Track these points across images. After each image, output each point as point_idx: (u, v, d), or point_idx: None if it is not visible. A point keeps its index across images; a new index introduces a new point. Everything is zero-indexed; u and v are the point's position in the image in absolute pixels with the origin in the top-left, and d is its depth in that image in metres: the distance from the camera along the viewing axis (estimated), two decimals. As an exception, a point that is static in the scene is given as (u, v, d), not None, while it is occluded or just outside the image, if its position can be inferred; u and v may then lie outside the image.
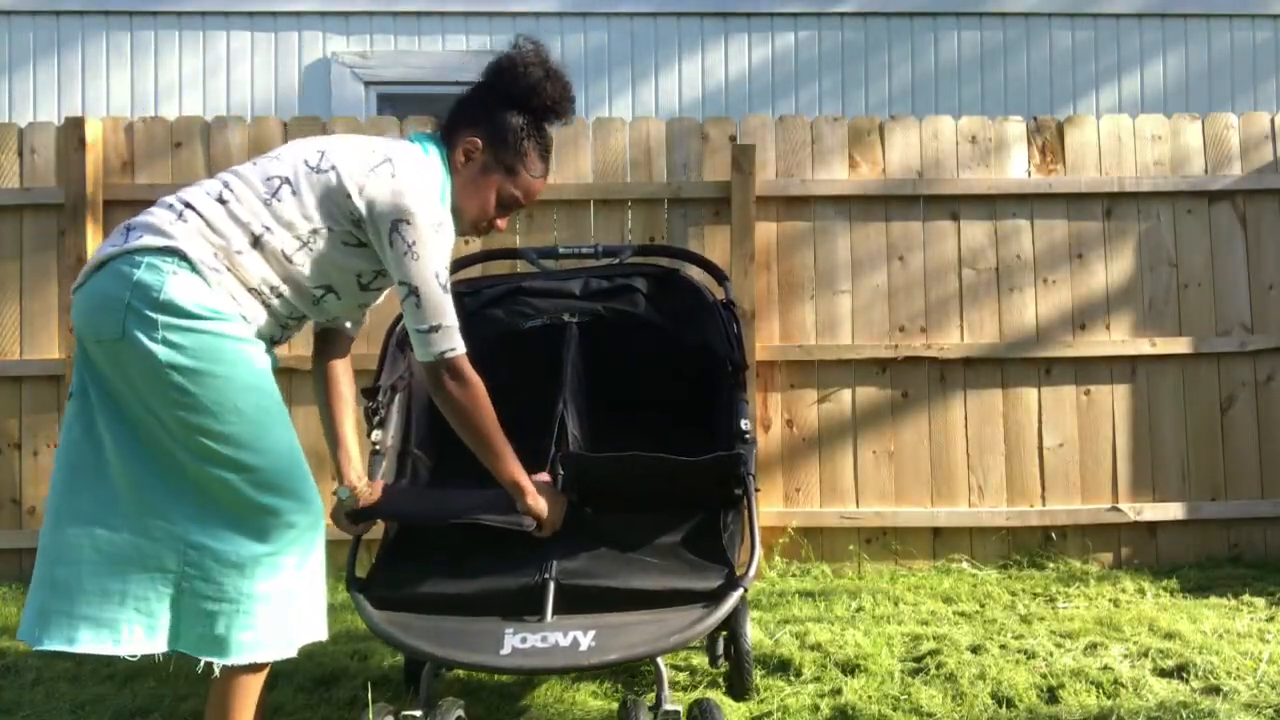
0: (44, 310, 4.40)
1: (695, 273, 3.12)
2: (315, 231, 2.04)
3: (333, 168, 2.05)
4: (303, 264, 2.05)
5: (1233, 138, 4.62)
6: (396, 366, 2.72)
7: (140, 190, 4.37)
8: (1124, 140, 4.61)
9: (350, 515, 2.34)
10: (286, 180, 2.05)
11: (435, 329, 2.07)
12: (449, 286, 2.09)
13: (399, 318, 2.83)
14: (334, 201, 2.04)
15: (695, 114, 5.95)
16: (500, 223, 2.31)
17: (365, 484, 2.37)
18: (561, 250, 3.13)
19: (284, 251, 2.03)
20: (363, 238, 2.08)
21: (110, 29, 6.17)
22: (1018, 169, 4.60)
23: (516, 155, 2.24)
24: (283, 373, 4.19)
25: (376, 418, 2.59)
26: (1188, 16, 6.36)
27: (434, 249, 2.05)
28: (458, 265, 3.19)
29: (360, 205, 2.04)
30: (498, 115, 2.23)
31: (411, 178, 2.07)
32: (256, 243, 2.01)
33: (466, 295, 2.93)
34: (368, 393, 2.61)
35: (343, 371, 2.39)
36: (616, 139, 4.54)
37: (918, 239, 4.56)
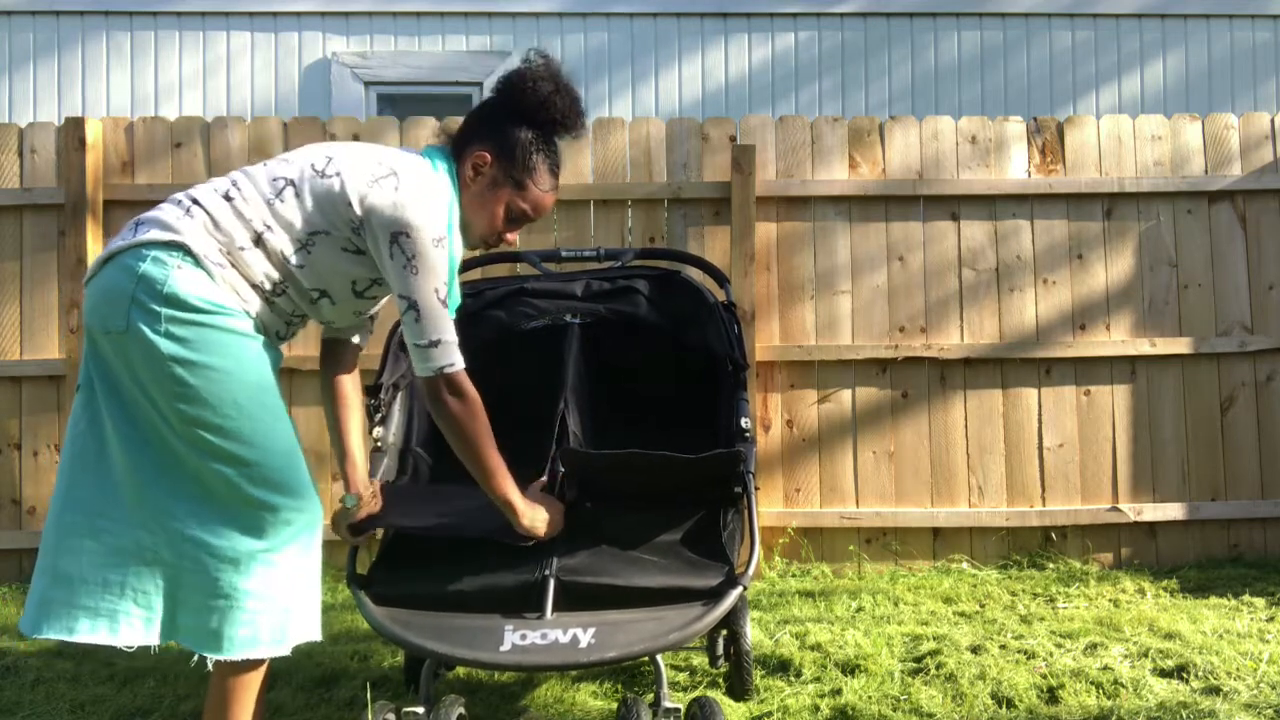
0: (44, 310, 4.41)
1: (696, 274, 3.12)
2: (314, 234, 2.06)
3: (337, 174, 2.07)
4: (300, 265, 2.06)
5: (1233, 138, 4.62)
6: (399, 365, 2.73)
7: (140, 190, 4.37)
8: (1124, 140, 4.61)
9: (350, 528, 2.38)
10: (291, 182, 2.07)
11: (435, 344, 2.07)
12: (449, 302, 2.10)
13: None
14: (334, 208, 2.06)
15: (695, 114, 5.96)
16: (510, 236, 2.31)
17: (370, 491, 2.38)
18: (564, 253, 3.15)
19: (283, 251, 2.05)
20: (361, 246, 2.09)
21: (110, 29, 6.17)
22: (1018, 169, 4.60)
23: (525, 170, 2.24)
24: (283, 372, 4.24)
25: (378, 415, 2.60)
26: (1188, 16, 6.37)
27: (433, 264, 2.05)
28: (459, 269, 3.19)
29: (360, 214, 2.05)
30: (507, 130, 2.23)
31: (415, 192, 2.07)
32: (259, 240, 2.03)
33: (468, 297, 2.93)
34: (370, 390, 2.62)
35: (350, 384, 2.40)
36: (616, 139, 4.54)
37: (918, 239, 4.56)
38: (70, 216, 4.35)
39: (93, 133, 4.39)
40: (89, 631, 1.91)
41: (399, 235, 2.03)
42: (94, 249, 4.32)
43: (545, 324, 2.90)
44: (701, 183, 4.50)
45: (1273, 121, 4.64)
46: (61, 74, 6.16)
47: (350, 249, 2.09)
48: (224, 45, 6.19)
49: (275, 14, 6.19)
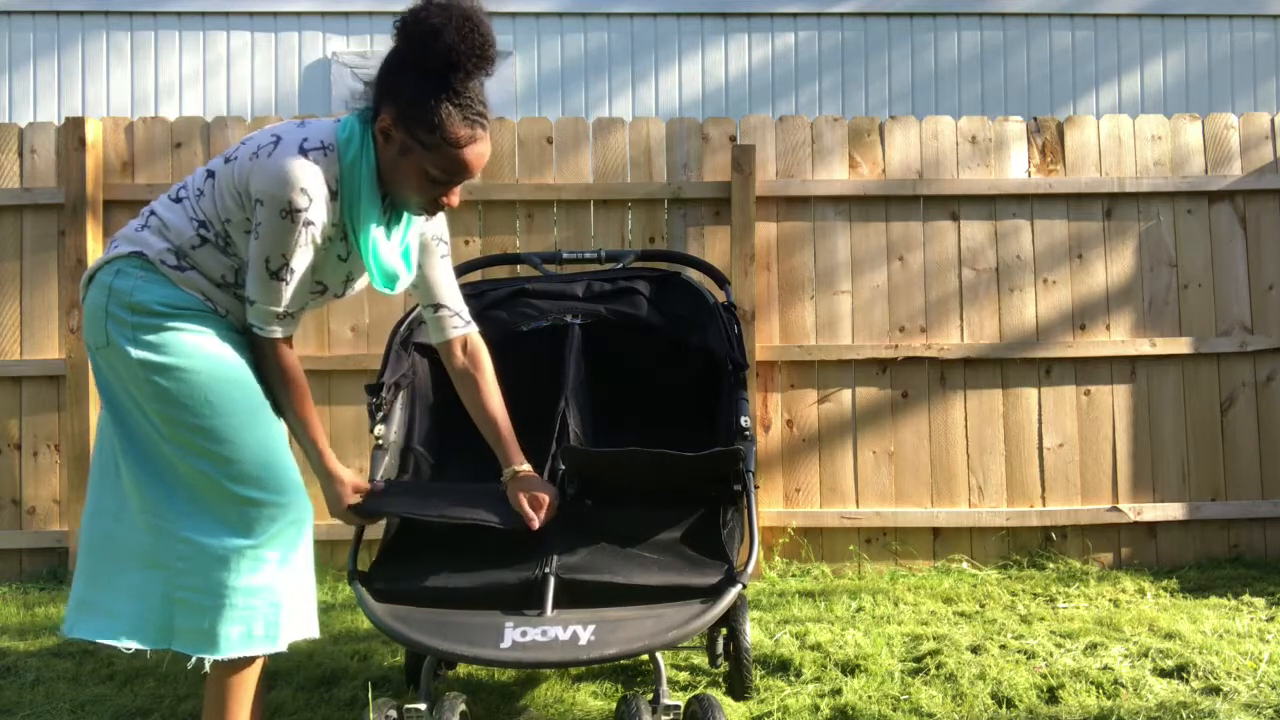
0: (44, 310, 4.40)
1: (696, 275, 3.13)
2: (226, 222, 2.04)
3: (236, 156, 2.03)
4: (237, 254, 2.06)
5: (1233, 138, 4.62)
6: (400, 364, 2.74)
7: (140, 190, 4.37)
8: (1124, 140, 4.62)
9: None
10: (211, 175, 2.07)
11: (252, 303, 2.04)
12: (284, 275, 1.99)
13: (402, 318, 2.85)
14: (233, 191, 2.02)
15: (695, 114, 5.96)
16: (451, 199, 2.08)
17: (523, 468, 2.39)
18: (565, 255, 3.17)
19: (220, 244, 2.05)
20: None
21: (110, 29, 6.18)
22: (1018, 169, 4.60)
23: (430, 128, 1.96)
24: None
25: (380, 414, 2.61)
26: (1188, 16, 6.37)
27: (274, 235, 1.96)
28: (460, 270, 3.19)
29: (241, 188, 2.00)
30: (403, 85, 1.99)
31: (283, 160, 1.96)
32: (203, 238, 2.04)
33: (470, 298, 2.93)
34: (371, 389, 2.63)
35: (472, 369, 2.39)
36: (616, 139, 4.54)
37: (918, 239, 4.56)
38: (70, 216, 4.35)
39: (93, 133, 4.39)
40: (108, 633, 1.98)
41: (257, 202, 1.97)
42: (94, 249, 4.32)
43: (546, 324, 2.91)
44: (701, 183, 4.50)
45: (1273, 121, 4.64)
46: (61, 74, 6.16)
47: (251, 231, 2.04)
48: (224, 45, 6.19)
49: (275, 14, 6.20)
